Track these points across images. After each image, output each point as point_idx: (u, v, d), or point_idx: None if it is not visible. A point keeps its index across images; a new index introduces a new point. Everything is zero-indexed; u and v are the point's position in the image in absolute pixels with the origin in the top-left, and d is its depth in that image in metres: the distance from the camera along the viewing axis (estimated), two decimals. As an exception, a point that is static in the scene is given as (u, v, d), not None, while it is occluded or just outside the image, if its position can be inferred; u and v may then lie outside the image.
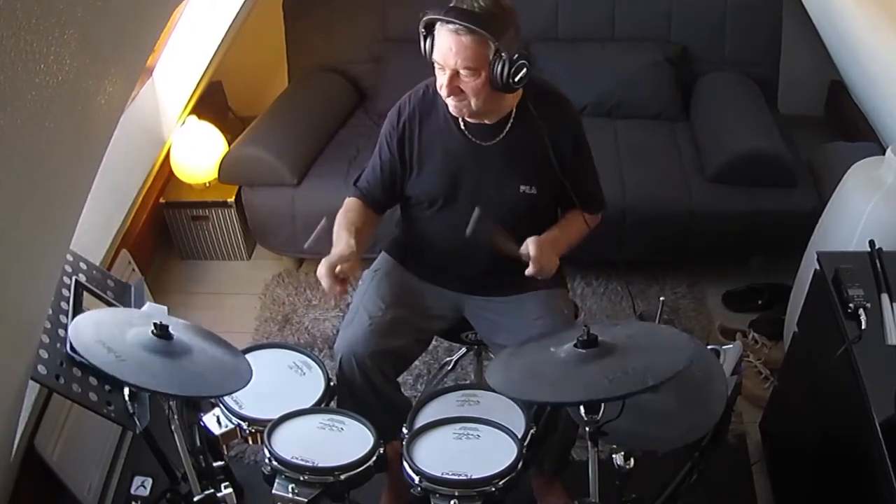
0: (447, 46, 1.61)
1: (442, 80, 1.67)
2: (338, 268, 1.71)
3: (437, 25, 1.63)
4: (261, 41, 3.42)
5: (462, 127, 1.80)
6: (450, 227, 1.84)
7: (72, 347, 1.58)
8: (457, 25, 1.58)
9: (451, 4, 1.62)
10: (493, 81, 1.64)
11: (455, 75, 1.64)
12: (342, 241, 1.78)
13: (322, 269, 1.72)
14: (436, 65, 1.67)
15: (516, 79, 1.63)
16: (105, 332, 1.49)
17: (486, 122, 1.78)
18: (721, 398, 1.56)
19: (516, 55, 1.61)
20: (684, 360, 1.36)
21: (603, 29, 3.25)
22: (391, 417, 1.80)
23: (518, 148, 1.79)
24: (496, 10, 1.61)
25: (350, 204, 1.92)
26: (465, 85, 1.65)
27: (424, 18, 1.65)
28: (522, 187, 1.81)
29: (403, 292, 1.93)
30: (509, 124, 1.79)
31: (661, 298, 1.95)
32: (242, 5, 2.92)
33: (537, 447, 1.69)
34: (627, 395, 1.35)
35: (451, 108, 1.74)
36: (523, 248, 1.73)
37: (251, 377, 1.56)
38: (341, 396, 1.84)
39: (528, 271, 1.73)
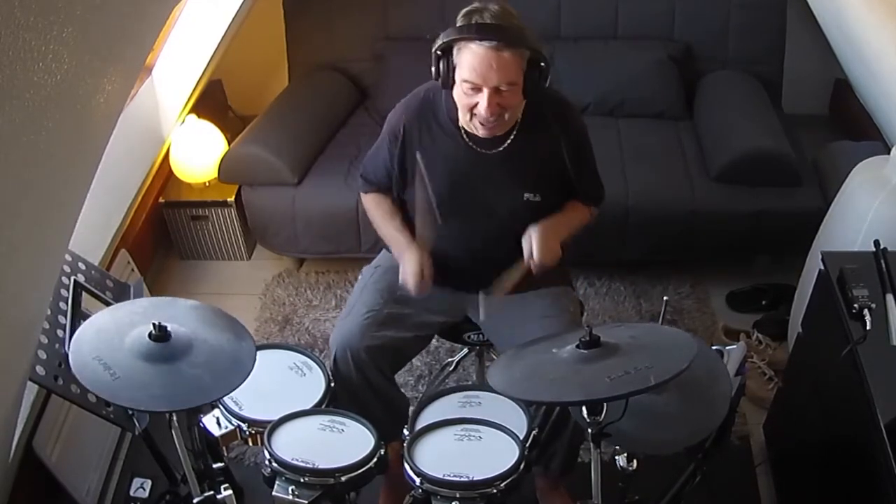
0: (487, 65, 1.56)
1: (475, 99, 1.62)
2: (425, 270, 1.75)
3: (466, 45, 1.57)
4: (261, 39, 3.40)
5: (464, 136, 1.77)
6: (452, 237, 1.82)
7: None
8: (495, 42, 1.54)
9: (467, 20, 1.57)
10: (527, 91, 1.63)
11: (495, 92, 1.60)
12: (403, 245, 1.81)
13: (414, 268, 1.75)
14: (465, 85, 1.61)
15: (546, 83, 1.64)
16: (104, 343, 1.44)
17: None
18: (725, 400, 1.55)
19: (542, 61, 1.61)
20: (687, 359, 1.34)
21: (606, 27, 3.24)
22: (389, 416, 1.79)
23: (522, 156, 1.77)
24: (515, 20, 1.58)
25: (377, 199, 1.93)
26: (505, 100, 1.62)
27: (444, 40, 1.59)
28: (526, 195, 1.79)
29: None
30: (514, 132, 1.76)
31: (665, 298, 1.93)
32: (243, 3, 2.91)
33: (545, 447, 1.68)
34: (629, 394, 1.34)
35: (481, 129, 1.69)
36: (524, 245, 1.74)
37: (253, 365, 1.50)
38: (337, 393, 1.81)
39: (533, 267, 1.74)
